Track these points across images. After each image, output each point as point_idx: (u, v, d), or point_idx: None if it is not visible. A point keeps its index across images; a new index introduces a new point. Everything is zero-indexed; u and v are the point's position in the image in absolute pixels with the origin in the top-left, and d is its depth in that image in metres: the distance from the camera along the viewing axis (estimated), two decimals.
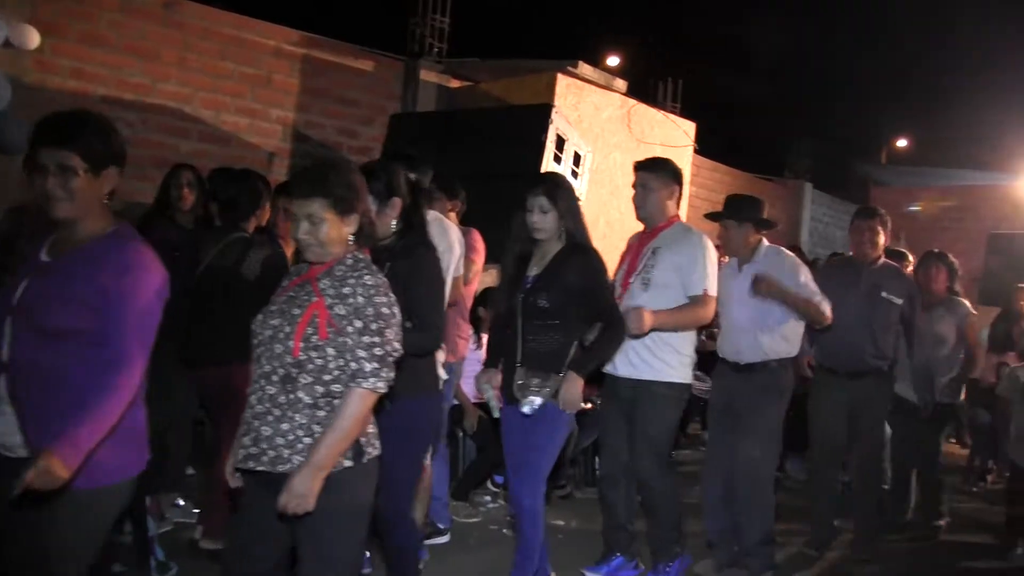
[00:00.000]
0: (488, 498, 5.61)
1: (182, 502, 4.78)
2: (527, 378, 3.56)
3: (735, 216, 4.51)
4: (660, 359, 4.03)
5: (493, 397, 3.73)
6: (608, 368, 4.11)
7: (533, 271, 3.69)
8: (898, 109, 19.09)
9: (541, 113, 6.21)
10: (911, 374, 5.31)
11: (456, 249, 4.20)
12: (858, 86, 20.30)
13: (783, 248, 4.58)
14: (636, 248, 4.22)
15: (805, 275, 4.38)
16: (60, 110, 2.40)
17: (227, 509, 4.22)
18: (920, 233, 12.85)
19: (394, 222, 3.29)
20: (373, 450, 2.58)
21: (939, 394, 5.44)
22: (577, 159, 6.73)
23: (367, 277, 2.50)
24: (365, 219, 2.63)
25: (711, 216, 4.74)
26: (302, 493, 2.35)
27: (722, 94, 15.56)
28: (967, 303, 5.81)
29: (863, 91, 20.42)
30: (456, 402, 5.23)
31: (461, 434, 5.56)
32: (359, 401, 2.43)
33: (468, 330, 4.89)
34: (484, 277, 5.23)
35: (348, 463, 2.46)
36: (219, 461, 4.32)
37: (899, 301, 4.91)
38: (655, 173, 4.14)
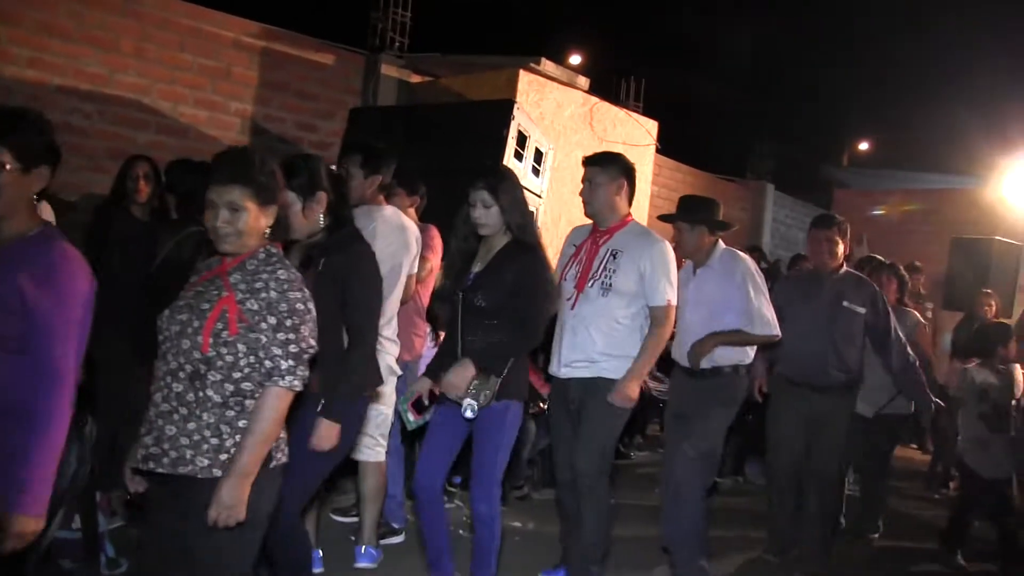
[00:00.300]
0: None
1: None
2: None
3: (688, 218, 4.42)
4: (614, 358, 3.89)
5: (406, 410, 3.66)
6: (555, 369, 4.04)
7: (476, 267, 3.60)
8: (861, 111, 19.36)
9: (503, 109, 6.20)
10: (893, 381, 5.20)
11: (412, 247, 4.13)
12: (821, 88, 20.47)
13: (739, 252, 4.47)
14: (590, 248, 4.02)
15: (755, 283, 4.28)
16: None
17: None
18: (884, 237, 12.97)
19: (321, 217, 3.17)
20: (282, 456, 2.48)
21: (888, 406, 5.40)
22: (539, 156, 6.73)
23: (280, 271, 2.40)
24: (282, 212, 2.56)
25: (664, 218, 4.64)
26: (231, 504, 2.26)
27: (685, 94, 15.64)
28: (916, 313, 5.84)
29: (826, 93, 20.60)
30: None
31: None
32: (276, 400, 2.35)
33: (425, 328, 4.82)
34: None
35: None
36: None
37: (861, 310, 4.80)
38: (602, 167, 3.98)
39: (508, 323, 3.46)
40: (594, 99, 8.47)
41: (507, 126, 6.09)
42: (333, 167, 3.60)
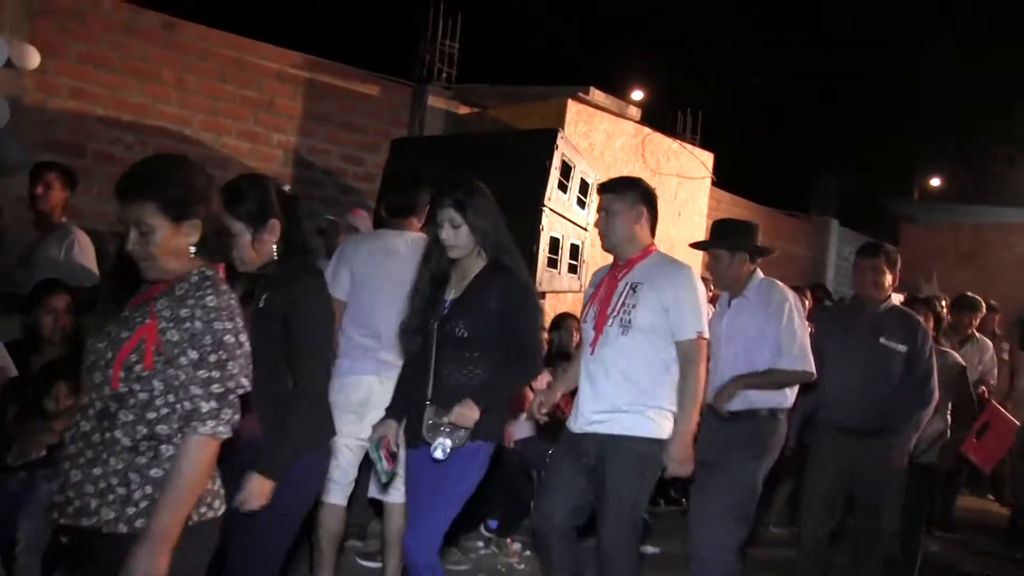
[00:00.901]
0: (480, 543, 5.29)
1: None
2: (438, 416, 3.09)
3: (728, 244, 4.08)
4: (641, 410, 3.46)
5: (380, 458, 3.23)
6: (572, 423, 3.63)
7: (451, 294, 3.28)
8: (931, 144, 18.74)
9: (546, 138, 5.94)
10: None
11: None
12: (889, 120, 19.95)
13: (778, 282, 4.10)
14: (608, 283, 3.63)
15: (790, 314, 3.92)
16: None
17: None
18: (954, 274, 12.43)
19: (275, 247, 2.81)
20: (208, 511, 2.14)
21: (920, 453, 4.85)
22: (585, 187, 6.47)
23: (210, 298, 2.09)
24: (212, 226, 2.23)
25: (698, 245, 4.29)
26: (142, 574, 1.94)
27: (744, 126, 15.31)
28: (955, 354, 5.37)
29: (895, 125, 20.07)
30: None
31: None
32: (196, 451, 2.02)
33: None
34: None
35: None
36: None
37: (901, 348, 4.36)
38: (617, 193, 3.61)
39: (491, 355, 3.16)
40: (646, 130, 8.21)
41: (550, 156, 5.83)
42: (287, 187, 3.24)
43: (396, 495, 3.84)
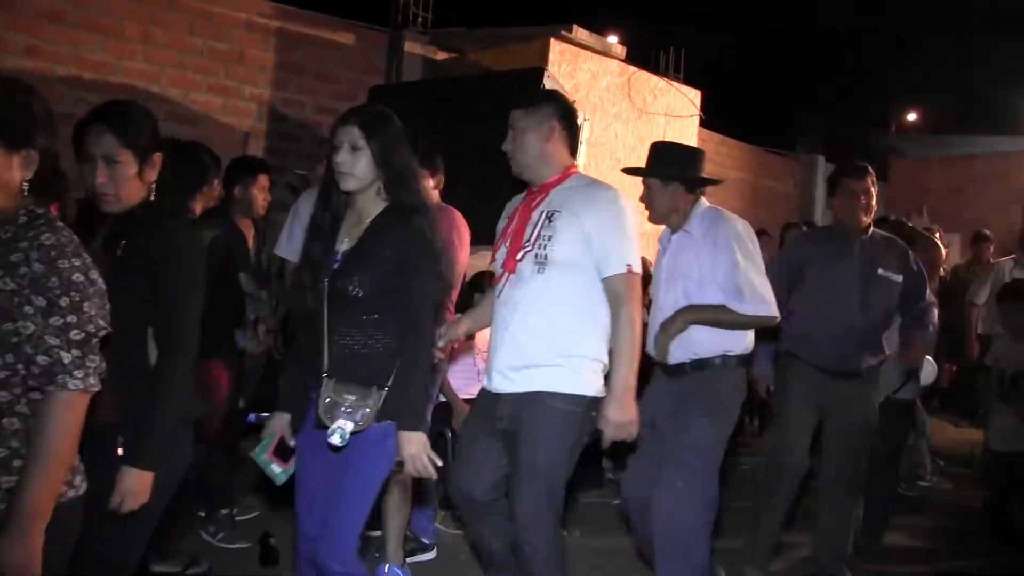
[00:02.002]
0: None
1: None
2: (337, 394, 2.55)
3: (658, 172, 3.52)
4: (561, 362, 2.90)
5: (268, 462, 2.71)
6: (486, 381, 3.09)
7: (343, 244, 2.69)
8: (912, 77, 18.52)
9: (531, 77, 5.70)
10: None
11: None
12: (869, 53, 19.71)
13: (725, 211, 3.48)
14: (522, 213, 3.05)
15: (744, 248, 3.31)
16: None
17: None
18: (945, 205, 12.30)
19: (152, 186, 2.40)
20: (69, 490, 1.86)
21: (901, 389, 4.61)
22: None
23: (46, 235, 1.77)
24: (48, 163, 1.87)
25: (631, 171, 3.74)
26: (15, 563, 1.69)
27: (727, 64, 15.01)
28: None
29: (874, 58, 19.83)
30: (443, 399, 4.70)
31: (450, 434, 4.96)
32: (65, 409, 1.74)
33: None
34: (476, 260, 4.72)
35: None
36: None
37: (898, 278, 4.03)
38: (525, 109, 3.03)
39: (393, 317, 2.61)
40: (632, 68, 7.93)
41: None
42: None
43: None
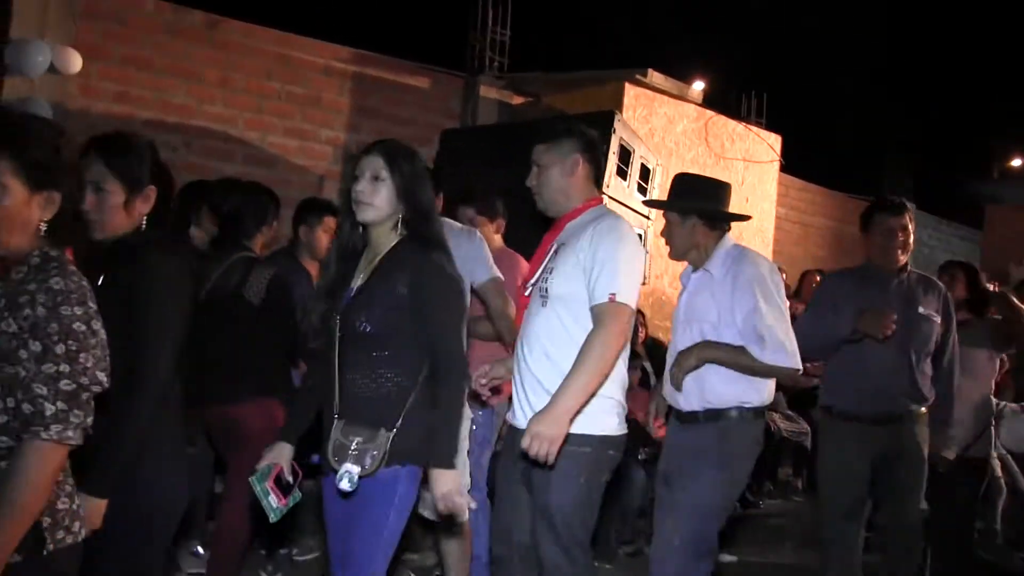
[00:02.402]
0: None
1: (201, 551, 4.35)
2: (345, 436, 2.47)
3: (676, 206, 3.30)
4: None
5: (266, 492, 2.56)
6: (511, 416, 3.00)
7: (358, 280, 2.60)
8: (1011, 124, 17.87)
9: (602, 121, 5.63)
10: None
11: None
12: (965, 97, 19.12)
13: (751, 251, 3.29)
14: (540, 247, 3.02)
15: (766, 292, 3.08)
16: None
17: (237, 562, 3.81)
18: None
19: (144, 221, 2.39)
20: (67, 535, 1.79)
21: (975, 446, 4.31)
22: (646, 173, 6.14)
23: (55, 279, 1.73)
24: (68, 207, 1.86)
25: (650, 203, 3.73)
26: None
27: (812, 109, 14.72)
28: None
29: (971, 102, 19.22)
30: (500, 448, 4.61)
31: None
32: (36, 459, 1.68)
33: None
34: None
35: (16, 558, 1.69)
36: (227, 510, 3.90)
37: (937, 318, 3.79)
38: (549, 144, 2.96)
39: (405, 356, 2.51)
40: (709, 113, 7.84)
41: (607, 140, 5.51)
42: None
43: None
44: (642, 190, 6.11)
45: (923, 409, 3.80)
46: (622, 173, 5.77)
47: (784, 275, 8.89)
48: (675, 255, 3.36)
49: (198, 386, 3.68)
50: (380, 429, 2.45)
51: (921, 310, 3.76)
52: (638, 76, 7.09)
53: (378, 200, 2.53)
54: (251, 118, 6.90)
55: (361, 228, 2.63)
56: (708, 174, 7.62)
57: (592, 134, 3.04)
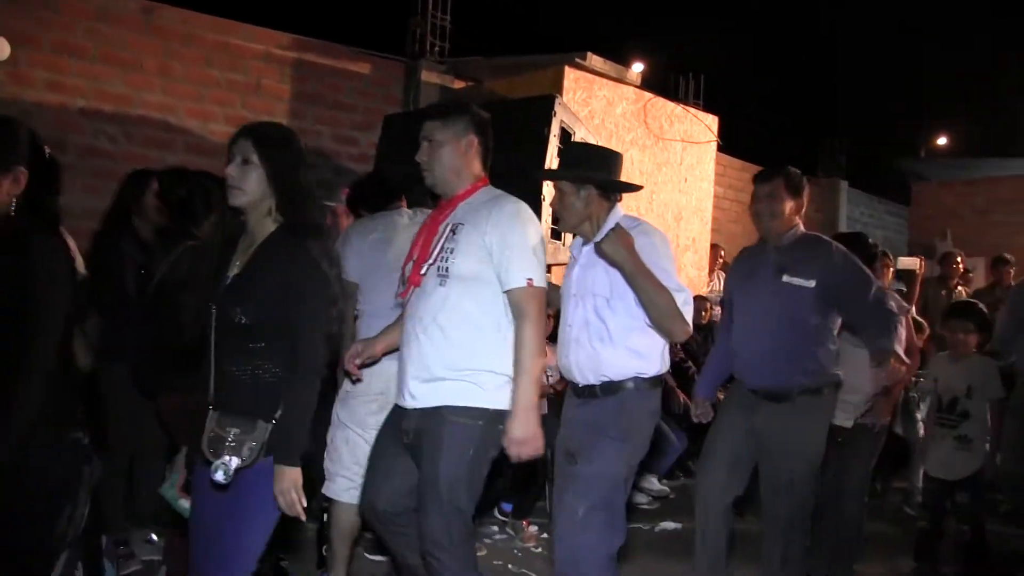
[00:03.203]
0: (495, 528, 5.11)
1: (155, 538, 4.37)
2: (221, 427, 2.42)
3: (571, 175, 3.18)
4: (463, 375, 2.86)
5: (177, 497, 2.61)
6: (398, 397, 3.03)
7: (234, 268, 2.56)
8: (939, 100, 18.38)
9: (543, 105, 5.69)
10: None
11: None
12: (894, 77, 19.59)
13: (643, 220, 3.20)
14: (429, 226, 3.03)
15: (661, 266, 2.98)
16: None
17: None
18: (969, 230, 12.15)
19: (14, 202, 2.34)
20: None
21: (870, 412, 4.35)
22: None
23: None
24: None
25: (540, 174, 3.44)
26: None
27: (749, 90, 14.98)
28: (898, 298, 4.66)
29: (899, 82, 19.70)
30: None
31: None
32: None
33: None
34: None
35: None
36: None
37: (809, 284, 3.60)
38: (443, 121, 2.99)
39: (281, 346, 2.46)
40: (648, 95, 7.94)
41: (548, 123, 5.58)
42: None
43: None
44: None
45: (812, 384, 3.67)
46: None
47: (723, 252, 9.15)
48: (567, 227, 3.30)
49: (152, 375, 3.73)
50: (258, 420, 2.42)
51: (786, 278, 3.64)
52: (577, 60, 7.15)
53: (247, 184, 2.51)
54: (191, 106, 6.81)
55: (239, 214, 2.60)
56: (648, 155, 7.82)
57: (485, 116, 3.09)
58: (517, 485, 4.96)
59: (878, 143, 16.66)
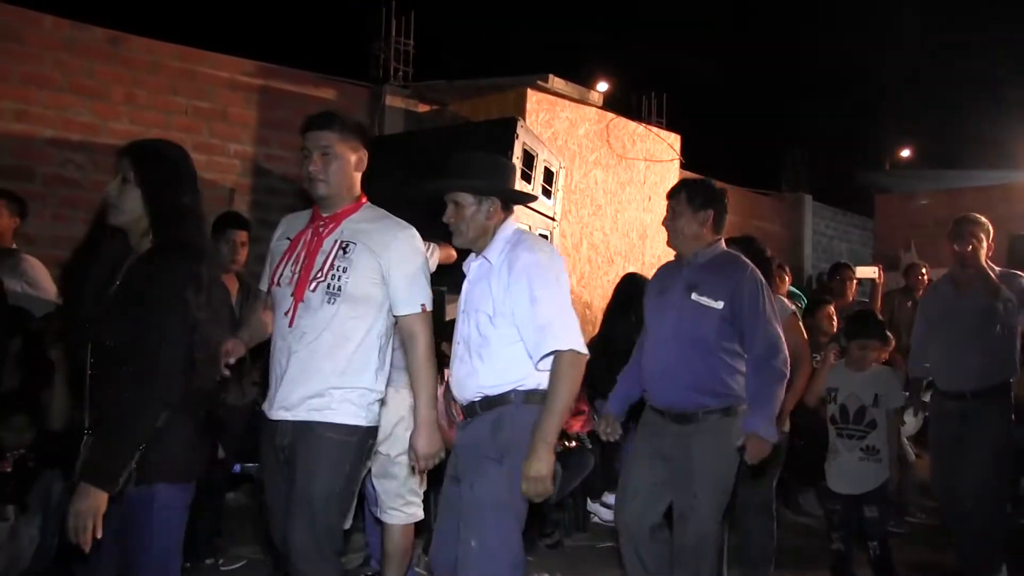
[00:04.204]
0: None
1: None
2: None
3: (472, 185, 3.00)
4: (344, 393, 2.83)
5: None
6: (267, 408, 2.94)
7: (112, 289, 2.51)
8: (900, 116, 18.72)
9: (504, 127, 5.81)
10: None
11: None
12: (855, 91, 19.92)
13: (531, 234, 3.16)
14: (311, 240, 2.92)
15: (544, 283, 2.88)
16: None
17: None
18: (933, 241, 12.37)
19: None
20: None
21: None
22: (549, 176, 6.34)
23: None
24: None
25: (436, 183, 3.12)
26: None
27: (710, 108, 15.20)
28: (785, 301, 4.61)
29: (860, 96, 20.04)
30: None
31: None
32: None
33: None
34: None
35: None
36: None
37: (717, 305, 3.45)
38: (342, 134, 2.91)
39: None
40: (610, 115, 8.08)
41: (511, 146, 5.70)
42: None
43: (397, 516, 3.76)
44: (547, 193, 6.31)
45: (726, 407, 3.50)
46: (526, 177, 5.94)
47: None
48: (465, 241, 3.05)
49: None
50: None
51: (694, 296, 3.50)
52: (539, 82, 7.28)
53: (124, 203, 2.50)
54: (158, 134, 6.82)
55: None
56: (611, 175, 7.95)
57: (370, 136, 3.05)
58: None
59: (842, 156, 16.94)
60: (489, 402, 2.95)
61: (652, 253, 8.45)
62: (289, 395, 2.82)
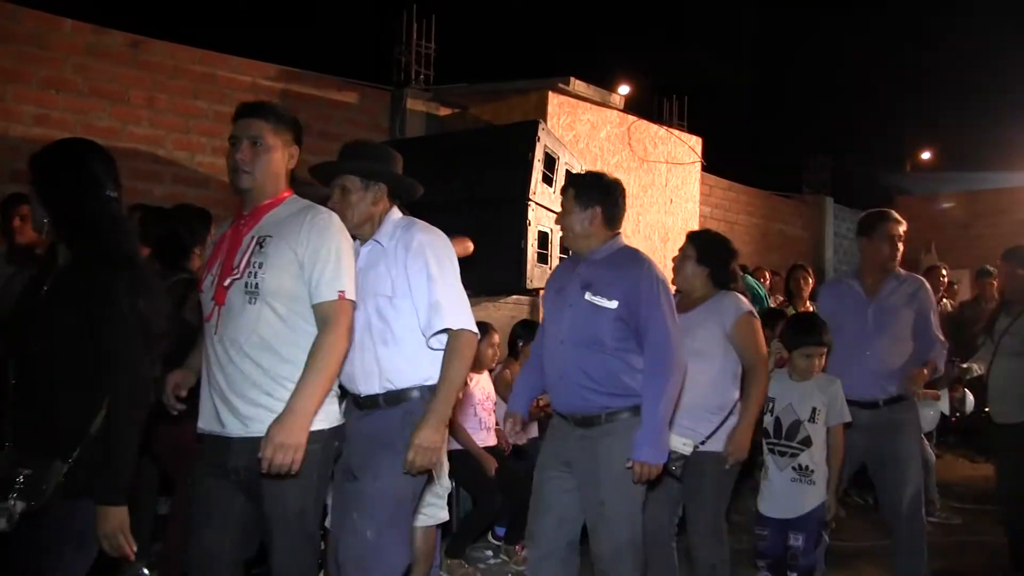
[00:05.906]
0: (489, 553, 5.12)
1: (147, 572, 4.34)
2: (12, 467, 2.27)
3: (359, 168, 2.99)
4: (276, 401, 2.60)
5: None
6: (203, 424, 2.74)
7: (42, 294, 2.46)
8: (920, 119, 18.56)
9: (526, 130, 5.78)
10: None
11: None
12: (878, 94, 19.77)
13: (419, 221, 3.03)
14: (232, 239, 2.77)
15: (440, 261, 2.90)
16: None
17: None
18: (952, 243, 12.28)
19: None
20: None
21: (712, 438, 3.76)
22: None
23: None
24: None
25: (321, 167, 3.08)
26: None
27: (731, 111, 15.12)
28: (740, 296, 4.05)
29: (883, 99, 19.88)
30: (455, 446, 4.70)
31: (453, 484, 4.96)
32: None
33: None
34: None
35: None
36: (173, 531, 3.92)
37: (611, 305, 3.26)
38: (275, 125, 2.78)
39: (81, 381, 2.34)
40: (631, 118, 8.04)
41: (532, 148, 5.66)
42: None
43: (419, 519, 3.63)
44: None
45: (631, 406, 3.29)
46: (547, 180, 5.91)
47: None
48: (348, 228, 2.90)
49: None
50: (55, 460, 2.31)
51: (588, 295, 3.33)
52: (561, 85, 7.25)
53: (36, 216, 2.46)
54: (179, 138, 6.87)
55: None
56: (633, 177, 7.90)
57: (300, 126, 2.93)
58: (510, 510, 4.98)
59: (863, 159, 16.79)
60: (395, 396, 2.89)
61: (674, 255, 8.38)
62: (240, 407, 2.63)
